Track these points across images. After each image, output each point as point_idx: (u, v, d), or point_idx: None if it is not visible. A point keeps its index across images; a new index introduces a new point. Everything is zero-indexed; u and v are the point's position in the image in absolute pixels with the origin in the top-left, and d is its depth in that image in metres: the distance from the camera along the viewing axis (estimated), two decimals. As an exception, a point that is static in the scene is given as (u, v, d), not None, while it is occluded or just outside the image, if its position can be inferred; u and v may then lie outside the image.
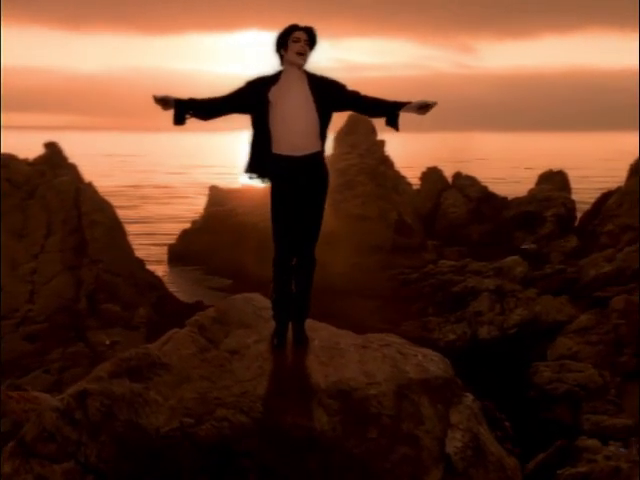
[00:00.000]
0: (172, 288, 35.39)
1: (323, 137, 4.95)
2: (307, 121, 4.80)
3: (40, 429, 4.05)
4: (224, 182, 56.81)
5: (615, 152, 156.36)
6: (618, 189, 39.07)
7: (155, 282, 32.60)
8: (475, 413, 4.64)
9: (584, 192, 53.28)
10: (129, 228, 35.35)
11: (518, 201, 43.94)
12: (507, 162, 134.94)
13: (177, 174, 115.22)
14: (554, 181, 43.83)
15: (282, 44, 4.83)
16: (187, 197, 79.45)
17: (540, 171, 46.59)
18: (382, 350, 4.93)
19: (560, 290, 30.84)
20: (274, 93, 4.80)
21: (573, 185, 45.21)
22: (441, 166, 47.41)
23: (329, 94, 4.83)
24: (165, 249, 48.31)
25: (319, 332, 5.04)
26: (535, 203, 42.18)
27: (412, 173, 48.94)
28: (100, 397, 4.19)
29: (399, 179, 44.16)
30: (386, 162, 43.77)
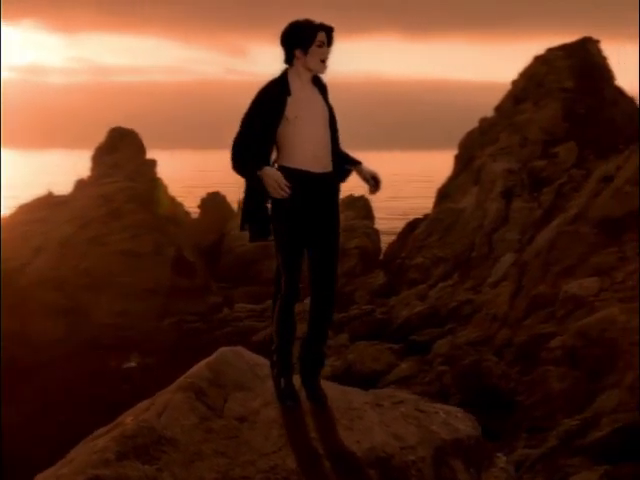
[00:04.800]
0: None
1: None
2: (328, 134, 4.99)
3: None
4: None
5: (416, 174, 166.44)
6: (426, 217, 41.55)
7: None
8: (512, 477, 5.04)
9: (388, 220, 56.26)
10: None
11: (316, 231, 45.28)
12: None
13: None
14: (355, 207, 45.76)
15: (301, 44, 4.80)
16: None
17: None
18: (399, 408, 5.16)
19: (371, 334, 32.12)
20: (292, 106, 4.83)
21: (376, 212, 47.56)
22: (224, 190, 47.83)
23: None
24: None
25: (326, 391, 5.20)
26: (335, 234, 43.70)
27: (190, 199, 48.91)
28: (115, 485, 4.23)
29: (176, 207, 43.94)
30: (159, 186, 43.40)
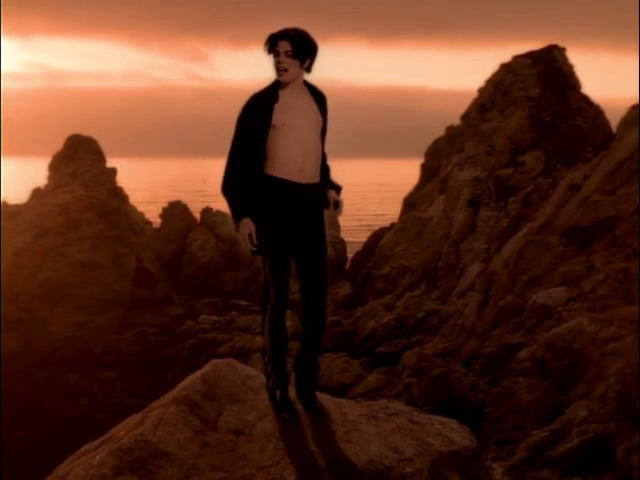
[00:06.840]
0: None
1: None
2: (318, 143, 5.08)
3: None
4: None
5: (381, 182, 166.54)
6: (392, 226, 41.73)
7: None
8: (508, 488, 5.06)
9: (352, 229, 56.48)
10: None
11: (279, 242, 45.26)
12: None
13: None
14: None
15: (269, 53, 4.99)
16: None
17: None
18: (394, 420, 5.22)
19: (337, 346, 32.23)
20: (279, 114, 4.91)
21: (340, 222, 47.63)
22: (186, 200, 47.77)
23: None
24: None
25: (321, 402, 5.29)
26: (299, 244, 43.75)
27: (152, 208, 48.73)
28: (114, 502, 4.31)
29: (136, 216, 43.73)
30: (119, 195, 43.18)
